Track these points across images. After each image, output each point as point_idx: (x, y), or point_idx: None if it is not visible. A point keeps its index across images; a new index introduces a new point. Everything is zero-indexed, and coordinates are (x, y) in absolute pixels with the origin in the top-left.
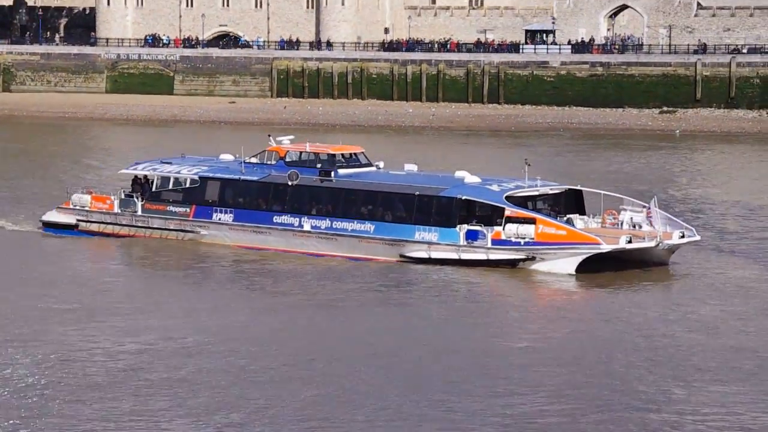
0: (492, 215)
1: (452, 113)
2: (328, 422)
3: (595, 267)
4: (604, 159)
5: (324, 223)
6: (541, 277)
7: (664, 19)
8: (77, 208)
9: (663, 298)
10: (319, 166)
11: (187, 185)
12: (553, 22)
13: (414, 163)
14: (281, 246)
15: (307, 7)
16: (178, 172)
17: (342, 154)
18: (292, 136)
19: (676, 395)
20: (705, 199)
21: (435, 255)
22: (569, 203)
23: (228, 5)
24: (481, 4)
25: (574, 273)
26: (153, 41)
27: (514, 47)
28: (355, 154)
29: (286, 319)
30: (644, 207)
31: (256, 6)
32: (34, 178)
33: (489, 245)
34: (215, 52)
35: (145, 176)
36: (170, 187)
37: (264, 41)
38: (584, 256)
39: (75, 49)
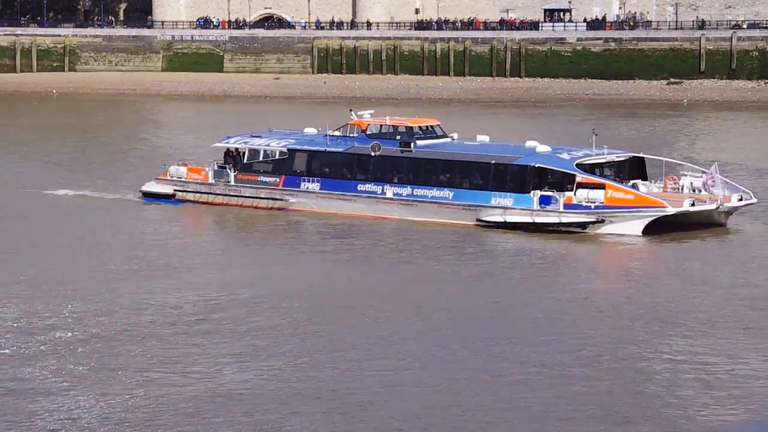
0: (563, 181)
1: (478, 86)
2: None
3: (660, 229)
4: (622, 125)
5: (405, 191)
6: (612, 238)
7: None
8: (174, 179)
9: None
10: (398, 138)
11: (276, 157)
12: (570, 2)
13: (486, 134)
14: (365, 212)
15: None
16: (268, 145)
17: (420, 127)
18: (372, 110)
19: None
20: (728, 162)
21: (510, 219)
22: (633, 170)
23: None
24: None
25: (641, 234)
26: (204, 23)
27: (534, 25)
28: (431, 126)
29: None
30: (704, 172)
31: None
32: (112, 153)
33: (561, 209)
34: (261, 32)
35: (237, 149)
36: (260, 159)
37: (306, 22)
38: (651, 219)
39: (134, 32)
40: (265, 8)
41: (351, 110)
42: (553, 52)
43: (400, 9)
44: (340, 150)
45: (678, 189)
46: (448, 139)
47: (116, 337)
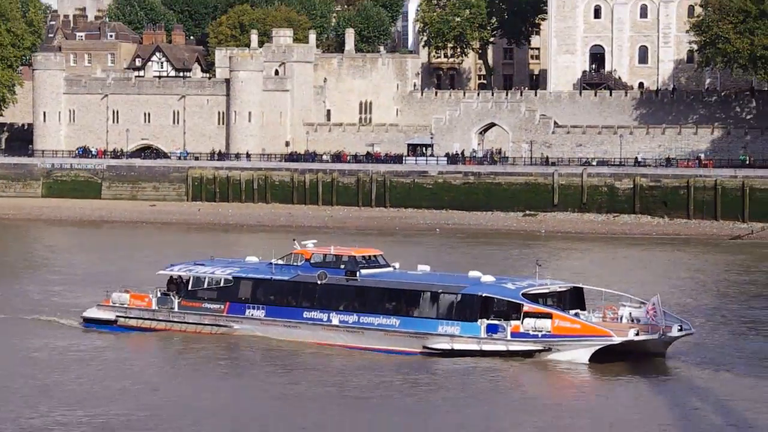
0: (509, 310)
1: (345, 215)
2: None
3: (605, 357)
4: (490, 252)
5: (351, 318)
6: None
7: (526, 135)
8: (116, 305)
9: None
10: (342, 266)
11: (221, 284)
12: (432, 137)
13: (426, 264)
14: (310, 339)
15: (219, 123)
16: (212, 273)
17: (363, 256)
18: (314, 240)
19: None
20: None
21: (458, 346)
22: (573, 300)
23: (149, 121)
24: (370, 121)
25: (587, 362)
26: (83, 152)
27: (398, 159)
28: (374, 256)
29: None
30: (642, 303)
31: (173, 122)
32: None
33: (509, 337)
34: (138, 161)
35: (180, 276)
36: (205, 286)
37: (181, 153)
38: (597, 347)
39: (15, 160)
40: (142, 139)
41: (294, 240)
42: (416, 184)
43: (271, 141)
44: (285, 278)
45: (617, 319)
46: (391, 269)
47: None
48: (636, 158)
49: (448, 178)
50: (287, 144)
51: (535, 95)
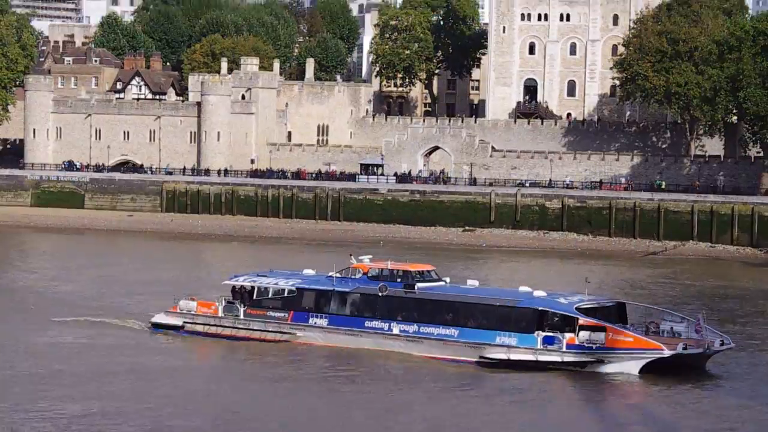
0: (563, 323)
1: (303, 227)
2: None
3: (652, 370)
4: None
5: (411, 328)
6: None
7: (466, 158)
8: (184, 312)
9: None
10: (399, 280)
11: (285, 295)
12: (382, 158)
13: (476, 279)
14: (371, 346)
15: (191, 142)
16: (276, 284)
17: (418, 271)
18: (370, 256)
19: None
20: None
21: (514, 356)
22: (617, 314)
23: (128, 138)
24: (326, 142)
25: (637, 374)
26: (69, 166)
27: (352, 177)
28: (428, 271)
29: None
30: (684, 318)
31: (150, 140)
32: None
33: (564, 349)
34: (118, 175)
35: (242, 286)
36: (270, 296)
37: (156, 168)
38: (648, 360)
39: (7, 172)
40: (122, 155)
41: (351, 255)
42: (367, 200)
43: (238, 159)
44: (347, 289)
45: (659, 333)
46: (442, 283)
47: None
48: (564, 181)
49: (396, 196)
50: (252, 161)
51: (475, 122)
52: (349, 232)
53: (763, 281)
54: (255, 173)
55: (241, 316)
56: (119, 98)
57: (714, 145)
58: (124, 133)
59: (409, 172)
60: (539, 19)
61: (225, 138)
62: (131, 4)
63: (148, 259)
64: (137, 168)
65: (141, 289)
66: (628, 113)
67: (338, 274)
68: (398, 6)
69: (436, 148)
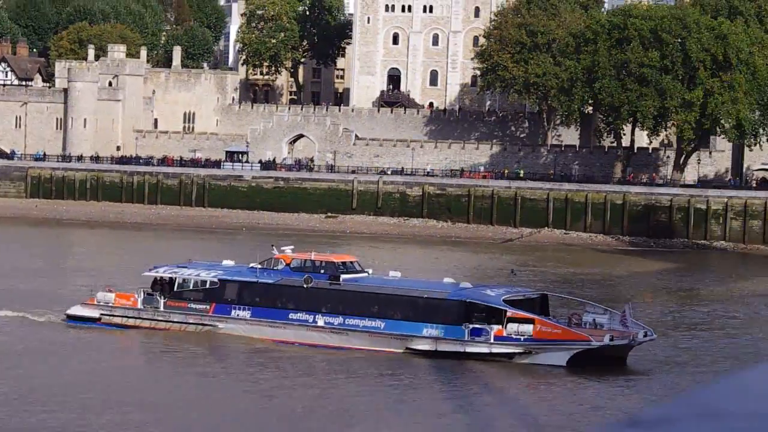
0: (489, 315)
1: (168, 213)
2: None
3: (577, 360)
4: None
5: (337, 320)
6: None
7: (330, 146)
8: (101, 304)
9: None
10: (322, 271)
11: (207, 286)
12: (247, 146)
13: (398, 271)
14: (295, 339)
15: (57, 128)
16: (198, 275)
17: (342, 262)
18: (292, 246)
19: None
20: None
21: (442, 348)
22: (541, 306)
23: None
24: (193, 129)
25: (564, 365)
26: None
27: (217, 164)
28: (351, 262)
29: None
30: (606, 310)
31: (16, 126)
32: None
33: (492, 340)
34: None
35: (161, 277)
36: (191, 287)
37: (21, 153)
38: (576, 351)
39: None
40: None
41: (272, 246)
42: (232, 187)
43: (104, 145)
44: (270, 281)
45: (581, 325)
46: (365, 274)
47: None
48: (425, 169)
49: (260, 182)
50: (118, 148)
51: (339, 111)
52: (214, 218)
53: (616, 267)
54: (120, 160)
55: (161, 308)
56: None
57: (570, 135)
58: None
59: (274, 160)
60: (403, 10)
61: (91, 125)
62: None
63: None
64: (6, 154)
65: None
66: (488, 103)
67: (258, 265)
68: None
69: (301, 136)
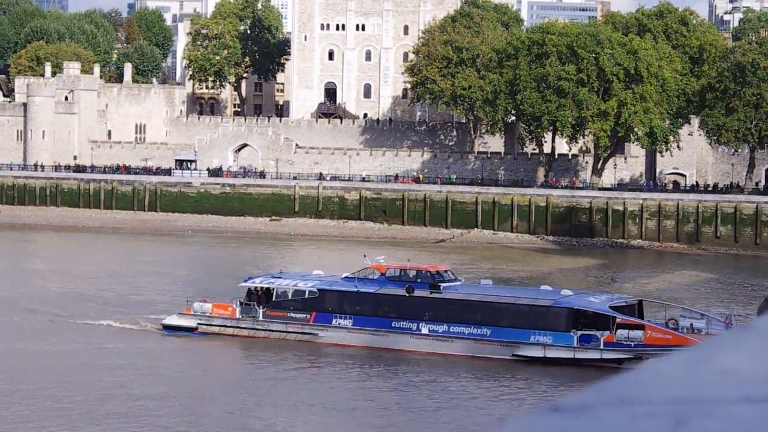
0: (596, 322)
1: (123, 218)
2: None
3: None
4: (252, 252)
5: (441, 328)
6: None
7: (273, 154)
8: (198, 314)
9: None
10: (419, 281)
11: (306, 296)
12: (195, 154)
13: (489, 279)
14: (398, 346)
15: (17, 140)
16: (296, 285)
17: (438, 271)
18: (383, 256)
19: None
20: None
21: (550, 354)
22: (638, 311)
23: None
24: (144, 140)
25: None
26: None
27: (167, 171)
28: (446, 270)
29: None
30: (702, 315)
31: None
32: None
33: (602, 347)
34: None
35: (258, 288)
36: (290, 297)
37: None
38: None
39: None
40: None
41: (365, 256)
42: (182, 193)
43: (62, 155)
44: (371, 290)
45: (678, 330)
46: (459, 282)
47: None
48: (362, 175)
49: (208, 188)
50: (75, 158)
51: (280, 122)
52: (166, 222)
53: (545, 264)
54: (78, 168)
55: (260, 318)
56: None
57: (495, 143)
58: None
59: (220, 167)
60: (337, 28)
61: (50, 136)
62: None
63: None
64: None
65: None
66: (419, 113)
67: (353, 275)
68: (209, 16)
69: (245, 145)
